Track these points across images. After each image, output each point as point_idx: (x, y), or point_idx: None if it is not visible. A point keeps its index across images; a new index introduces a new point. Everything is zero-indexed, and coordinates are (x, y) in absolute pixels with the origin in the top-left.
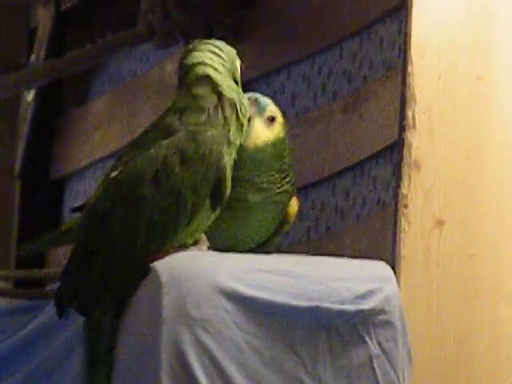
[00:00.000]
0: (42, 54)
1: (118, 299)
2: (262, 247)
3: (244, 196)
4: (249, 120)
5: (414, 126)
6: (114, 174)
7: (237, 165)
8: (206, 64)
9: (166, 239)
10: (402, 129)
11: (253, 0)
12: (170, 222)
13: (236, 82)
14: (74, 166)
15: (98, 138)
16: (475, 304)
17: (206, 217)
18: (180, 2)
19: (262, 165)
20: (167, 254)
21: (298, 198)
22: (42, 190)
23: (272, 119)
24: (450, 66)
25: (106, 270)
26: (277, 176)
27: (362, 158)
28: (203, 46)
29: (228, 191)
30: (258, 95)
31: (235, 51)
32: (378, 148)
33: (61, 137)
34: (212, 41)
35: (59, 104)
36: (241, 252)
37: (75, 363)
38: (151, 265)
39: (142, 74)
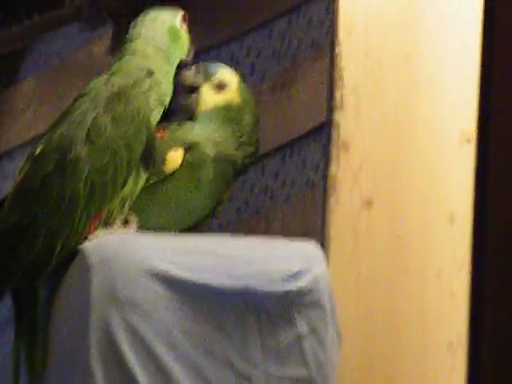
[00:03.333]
0: None
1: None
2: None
3: (201, 152)
4: (197, 87)
5: (342, 107)
6: (38, 149)
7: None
8: (139, 51)
9: (106, 200)
10: (331, 109)
11: None
12: (109, 181)
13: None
14: (3, 147)
15: (27, 119)
16: (403, 283)
17: (138, 179)
18: None
19: (215, 127)
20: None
21: None
22: None
23: (221, 86)
24: (378, 44)
25: (49, 239)
26: (233, 139)
27: (290, 139)
28: (144, 30)
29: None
30: (207, 63)
31: (178, 15)
32: (307, 129)
33: None
34: (156, 16)
35: None
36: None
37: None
38: (79, 247)
39: (69, 56)
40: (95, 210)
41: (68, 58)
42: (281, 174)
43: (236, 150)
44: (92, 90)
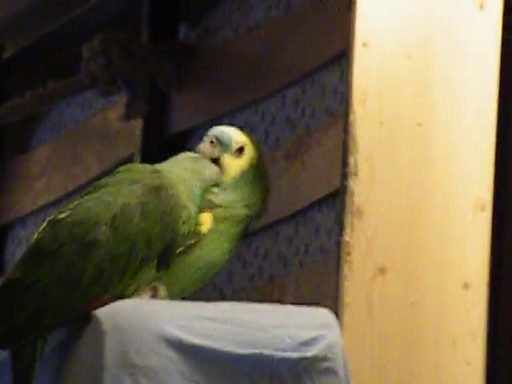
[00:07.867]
0: None
1: (45, 337)
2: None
3: (235, 211)
4: (218, 159)
5: (356, 174)
6: (62, 215)
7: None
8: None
9: (110, 287)
10: (344, 176)
11: (196, 48)
12: (118, 270)
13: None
14: (17, 214)
15: (41, 186)
16: (418, 350)
17: (150, 276)
18: (122, 51)
19: (249, 191)
20: (109, 301)
21: None
22: None
23: (240, 150)
24: (391, 113)
25: (40, 305)
26: (253, 196)
27: (304, 206)
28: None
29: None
30: (219, 132)
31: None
32: (321, 195)
33: (3, 185)
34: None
35: (1, 152)
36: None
37: None
38: (93, 312)
39: (84, 122)
40: (96, 294)
41: (83, 125)
42: (295, 241)
43: (252, 206)
44: (131, 170)
